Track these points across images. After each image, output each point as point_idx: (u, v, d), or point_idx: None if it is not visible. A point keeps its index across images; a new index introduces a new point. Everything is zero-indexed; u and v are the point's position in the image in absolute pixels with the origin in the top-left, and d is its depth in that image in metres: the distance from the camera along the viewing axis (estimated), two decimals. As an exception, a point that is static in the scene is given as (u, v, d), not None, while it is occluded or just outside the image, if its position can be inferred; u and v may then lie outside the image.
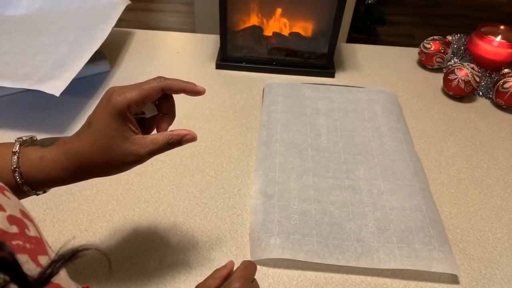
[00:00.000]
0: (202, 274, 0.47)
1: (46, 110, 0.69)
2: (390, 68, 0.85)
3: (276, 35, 0.82)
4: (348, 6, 1.24)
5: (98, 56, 0.75)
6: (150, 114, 0.40)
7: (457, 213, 0.57)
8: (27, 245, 0.21)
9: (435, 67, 0.84)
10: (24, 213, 0.23)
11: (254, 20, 0.81)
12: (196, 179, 0.59)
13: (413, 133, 0.69)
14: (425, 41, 0.85)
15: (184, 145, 0.38)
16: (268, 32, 0.82)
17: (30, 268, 0.20)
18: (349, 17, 1.68)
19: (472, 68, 0.75)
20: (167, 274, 0.47)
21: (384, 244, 0.50)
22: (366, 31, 2.38)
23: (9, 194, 0.24)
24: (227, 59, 0.82)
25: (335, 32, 0.76)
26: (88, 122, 0.35)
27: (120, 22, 0.80)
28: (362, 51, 0.91)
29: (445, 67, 0.83)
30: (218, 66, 0.82)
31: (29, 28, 0.79)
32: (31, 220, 0.24)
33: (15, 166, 0.34)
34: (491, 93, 0.77)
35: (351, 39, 1.99)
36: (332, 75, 0.82)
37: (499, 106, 0.76)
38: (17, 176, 0.34)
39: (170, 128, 0.40)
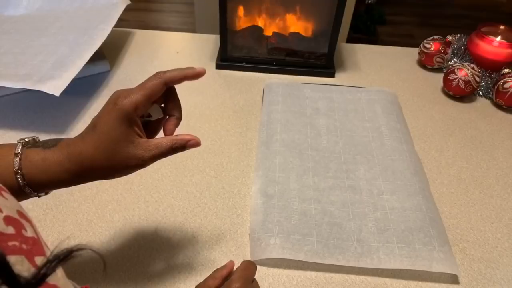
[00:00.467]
0: (202, 274, 0.47)
1: (46, 110, 0.69)
2: (390, 68, 0.85)
3: (276, 35, 0.82)
4: (348, 6, 1.24)
5: (98, 56, 0.75)
6: (156, 117, 0.40)
7: (457, 213, 0.57)
8: (24, 246, 0.21)
9: (435, 67, 0.84)
10: (21, 214, 0.23)
11: (254, 20, 0.81)
12: (196, 179, 0.59)
13: (413, 133, 0.69)
14: (425, 41, 0.85)
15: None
16: (268, 32, 0.82)
17: (26, 269, 0.20)
18: (349, 17, 1.68)
19: (472, 68, 0.75)
20: (167, 274, 0.47)
21: (384, 244, 0.50)
22: (366, 31, 2.38)
23: (6, 194, 0.23)
24: (227, 59, 0.82)
25: (335, 32, 0.76)
26: (93, 125, 0.35)
27: (120, 22, 0.80)
28: (362, 51, 0.91)
29: (445, 67, 0.83)
30: (218, 66, 0.82)
31: (29, 28, 0.79)
32: (28, 220, 0.23)
33: (17, 168, 0.34)
34: (491, 93, 0.77)
35: (351, 39, 1.99)
36: (332, 75, 0.82)
37: (499, 106, 0.76)
38: (19, 178, 0.34)
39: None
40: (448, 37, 0.89)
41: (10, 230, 0.21)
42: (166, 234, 0.52)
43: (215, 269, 0.44)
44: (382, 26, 2.51)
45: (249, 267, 0.43)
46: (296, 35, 0.82)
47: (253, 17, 0.81)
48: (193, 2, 1.70)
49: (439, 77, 0.81)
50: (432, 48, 0.82)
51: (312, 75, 0.81)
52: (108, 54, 0.81)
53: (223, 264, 0.45)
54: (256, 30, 0.82)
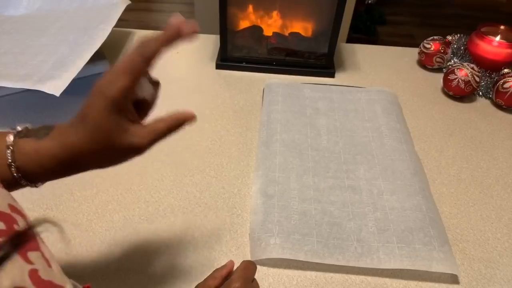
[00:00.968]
0: (202, 274, 0.47)
1: (46, 110, 0.69)
2: (390, 68, 0.85)
3: (276, 35, 0.82)
4: (348, 6, 1.24)
5: (98, 56, 0.75)
6: (147, 93, 0.38)
7: (457, 213, 0.57)
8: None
9: (435, 67, 0.84)
10: (13, 207, 0.23)
11: (254, 20, 0.81)
12: (196, 179, 0.59)
13: (413, 133, 0.69)
14: (425, 41, 0.85)
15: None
16: (268, 32, 0.82)
17: (18, 265, 0.20)
18: (349, 17, 1.68)
19: (472, 68, 0.75)
20: (167, 274, 0.47)
21: (384, 244, 0.50)
22: (366, 31, 2.39)
23: None
24: (227, 59, 0.82)
25: (335, 32, 0.76)
26: (82, 116, 0.34)
27: (120, 22, 0.80)
28: (362, 51, 0.91)
29: (445, 67, 0.83)
30: (218, 66, 0.82)
31: (29, 28, 0.79)
32: (22, 214, 0.23)
33: (10, 160, 0.33)
34: (491, 93, 0.77)
35: (351, 39, 1.99)
36: (332, 75, 0.82)
37: (499, 106, 0.76)
38: (14, 170, 0.33)
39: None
40: (448, 37, 0.89)
41: (1, 225, 0.20)
42: (166, 234, 0.52)
43: (215, 269, 0.44)
44: (382, 26, 2.52)
45: (249, 267, 0.43)
46: (296, 35, 0.82)
47: (253, 17, 0.81)
48: (193, 2, 1.69)
49: (439, 77, 0.81)
50: (432, 48, 0.82)
51: (312, 75, 0.81)
52: (108, 54, 0.81)
53: (223, 264, 0.45)
54: (256, 30, 0.82)
